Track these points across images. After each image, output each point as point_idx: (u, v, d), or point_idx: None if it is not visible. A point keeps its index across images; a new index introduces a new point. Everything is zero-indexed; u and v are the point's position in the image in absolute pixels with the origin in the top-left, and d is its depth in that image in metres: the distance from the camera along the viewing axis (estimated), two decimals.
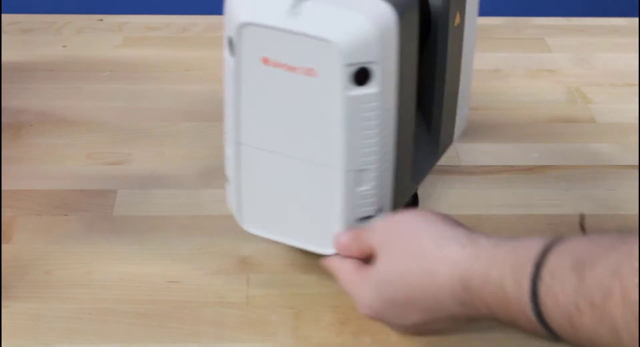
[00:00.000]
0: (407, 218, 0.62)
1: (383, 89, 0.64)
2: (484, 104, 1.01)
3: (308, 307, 0.72)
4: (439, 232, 0.59)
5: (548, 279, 0.50)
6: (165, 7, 1.42)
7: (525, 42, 1.16)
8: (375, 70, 0.63)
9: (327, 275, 0.75)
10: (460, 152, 0.92)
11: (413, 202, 0.79)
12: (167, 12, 1.24)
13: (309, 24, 0.62)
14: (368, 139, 0.65)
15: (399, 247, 0.60)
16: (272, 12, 0.63)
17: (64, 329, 0.70)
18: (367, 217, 0.68)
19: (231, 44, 0.65)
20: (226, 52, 0.67)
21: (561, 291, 0.49)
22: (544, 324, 0.51)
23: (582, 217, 0.60)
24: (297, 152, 0.67)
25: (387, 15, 0.63)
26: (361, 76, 0.62)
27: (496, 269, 0.53)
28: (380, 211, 0.69)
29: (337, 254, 0.67)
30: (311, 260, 0.76)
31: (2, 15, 1.18)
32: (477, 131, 0.96)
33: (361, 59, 0.62)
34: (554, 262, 0.50)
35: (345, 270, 0.65)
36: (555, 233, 0.55)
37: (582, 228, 0.58)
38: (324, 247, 0.69)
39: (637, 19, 1.22)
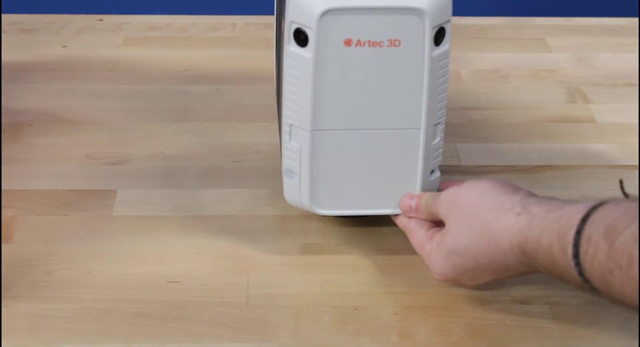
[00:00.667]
0: (468, 192, 0.69)
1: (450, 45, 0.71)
2: (484, 104, 1.01)
3: (308, 307, 0.72)
4: (497, 203, 0.66)
5: (585, 245, 0.58)
6: (165, 7, 1.42)
7: (525, 42, 1.16)
8: (447, 29, 0.69)
9: (327, 275, 0.75)
10: (460, 152, 0.92)
11: None
12: (167, 12, 1.24)
13: None
14: (441, 94, 0.72)
15: (463, 220, 0.67)
16: None
17: (64, 329, 0.70)
18: (433, 171, 0.75)
19: (301, 35, 0.68)
20: (292, 46, 0.69)
21: (596, 255, 0.57)
22: (588, 283, 0.59)
23: (621, 183, 0.65)
24: (379, 124, 0.72)
25: None
26: (439, 36, 0.69)
27: (545, 237, 0.61)
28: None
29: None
30: (311, 260, 0.76)
31: (2, 15, 1.18)
32: (477, 131, 0.96)
33: (441, 20, 0.68)
34: (589, 229, 0.58)
35: (418, 235, 0.72)
36: None
37: (624, 193, 0.64)
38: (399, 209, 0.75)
39: (637, 19, 1.22)
